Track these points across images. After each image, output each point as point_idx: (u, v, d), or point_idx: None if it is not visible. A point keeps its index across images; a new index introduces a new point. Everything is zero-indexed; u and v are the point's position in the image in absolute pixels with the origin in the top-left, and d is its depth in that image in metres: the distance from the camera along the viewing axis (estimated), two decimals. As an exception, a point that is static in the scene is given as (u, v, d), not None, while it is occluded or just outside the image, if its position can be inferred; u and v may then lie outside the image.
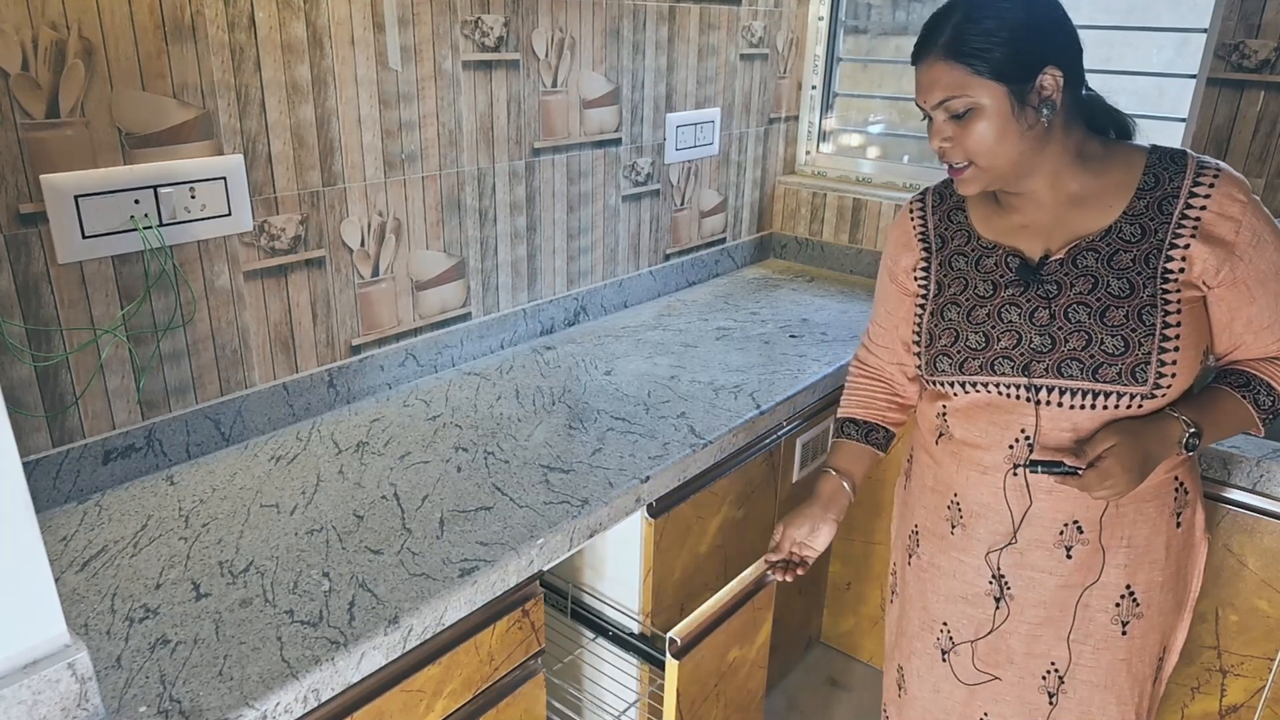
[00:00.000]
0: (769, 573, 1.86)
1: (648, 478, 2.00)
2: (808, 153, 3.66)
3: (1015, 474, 1.67)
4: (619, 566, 2.21)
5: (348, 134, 2.11)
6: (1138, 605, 1.71)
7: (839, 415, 1.97)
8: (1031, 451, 1.65)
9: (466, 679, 1.71)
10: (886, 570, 2.70)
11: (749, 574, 1.82)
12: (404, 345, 2.37)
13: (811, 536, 1.88)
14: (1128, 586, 1.70)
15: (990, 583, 1.77)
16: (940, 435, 1.79)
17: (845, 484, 1.90)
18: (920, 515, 1.88)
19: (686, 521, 2.20)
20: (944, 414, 1.76)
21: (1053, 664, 1.77)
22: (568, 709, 2.07)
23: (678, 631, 1.58)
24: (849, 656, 3.17)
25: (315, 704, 1.43)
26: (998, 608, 1.77)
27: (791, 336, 2.85)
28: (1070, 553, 1.68)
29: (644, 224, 3.07)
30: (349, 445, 2.08)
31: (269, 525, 1.78)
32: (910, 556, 1.92)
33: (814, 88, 3.60)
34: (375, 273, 2.27)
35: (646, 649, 2.13)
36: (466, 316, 2.53)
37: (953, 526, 1.80)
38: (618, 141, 2.88)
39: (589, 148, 2.79)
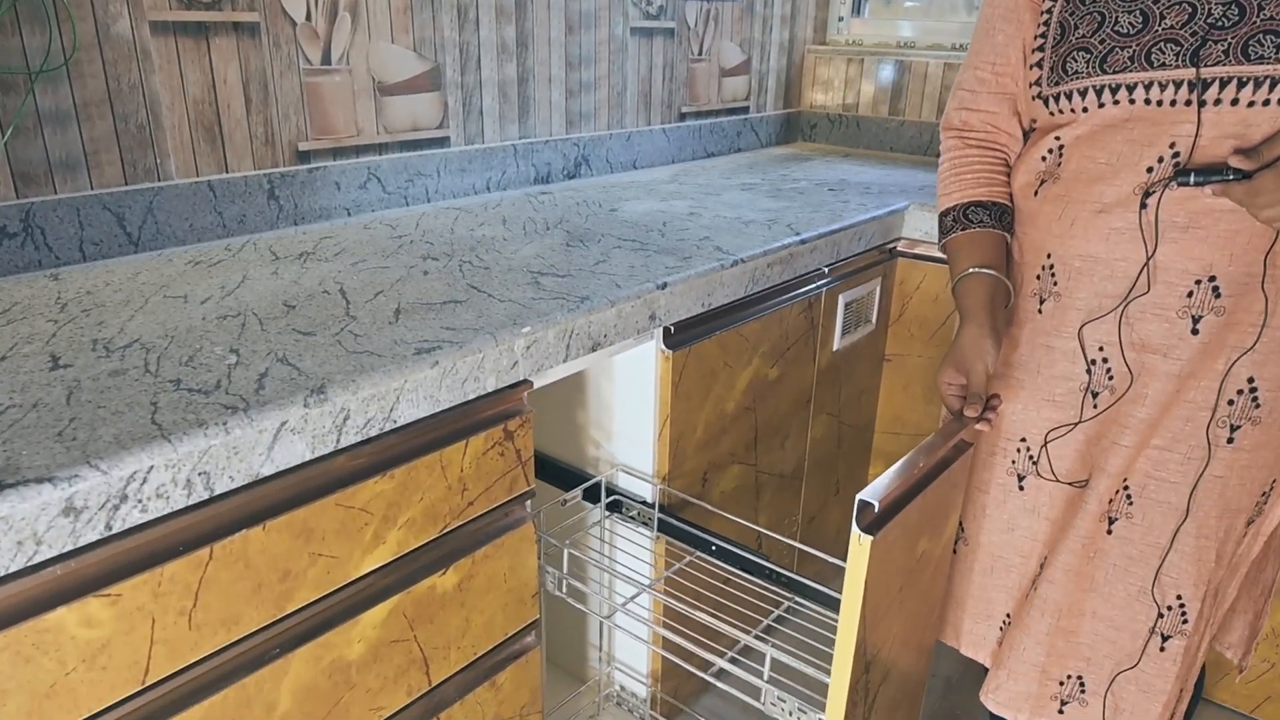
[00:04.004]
0: (974, 427, 1.40)
1: (665, 284, 1.57)
2: (841, 19, 3.21)
3: (1145, 206, 1.23)
4: (629, 416, 1.80)
5: None
6: (1257, 406, 1.31)
7: (952, 205, 1.50)
8: (1177, 172, 1.21)
9: (430, 509, 1.28)
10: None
11: (941, 438, 1.34)
12: (366, 163, 1.93)
13: (999, 360, 1.43)
14: (1250, 381, 1.30)
15: (1086, 371, 1.37)
16: (1042, 182, 1.38)
17: (1004, 279, 1.45)
18: None
19: (711, 364, 1.77)
20: (1057, 149, 1.36)
21: (1124, 482, 1.38)
22: (569, 579, 1.61)
23: (873, 494, 1.12)
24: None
25: (205, 493, 1.01)
26: (1093, 405, 1.36)
27: (830, 190, 2.41)
28: (1198, 325, 1.29)
29: (656, 69, 2.63)
30: (290, 254, 1.65)
31: (170, 311, 1.36)
32: None
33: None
34: (326, 59, 1.83)
35: (667, 518, 1.72)
36: (444, 141, 2.09)
37: (1042, 301, 1.42)
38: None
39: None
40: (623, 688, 2.06)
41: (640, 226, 1.95)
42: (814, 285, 2.06)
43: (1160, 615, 1.41)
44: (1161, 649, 1.42)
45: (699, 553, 1.67)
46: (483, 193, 2.23)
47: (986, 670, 1.80)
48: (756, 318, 1.89)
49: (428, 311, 1.38)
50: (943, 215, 1.52)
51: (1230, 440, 1.31)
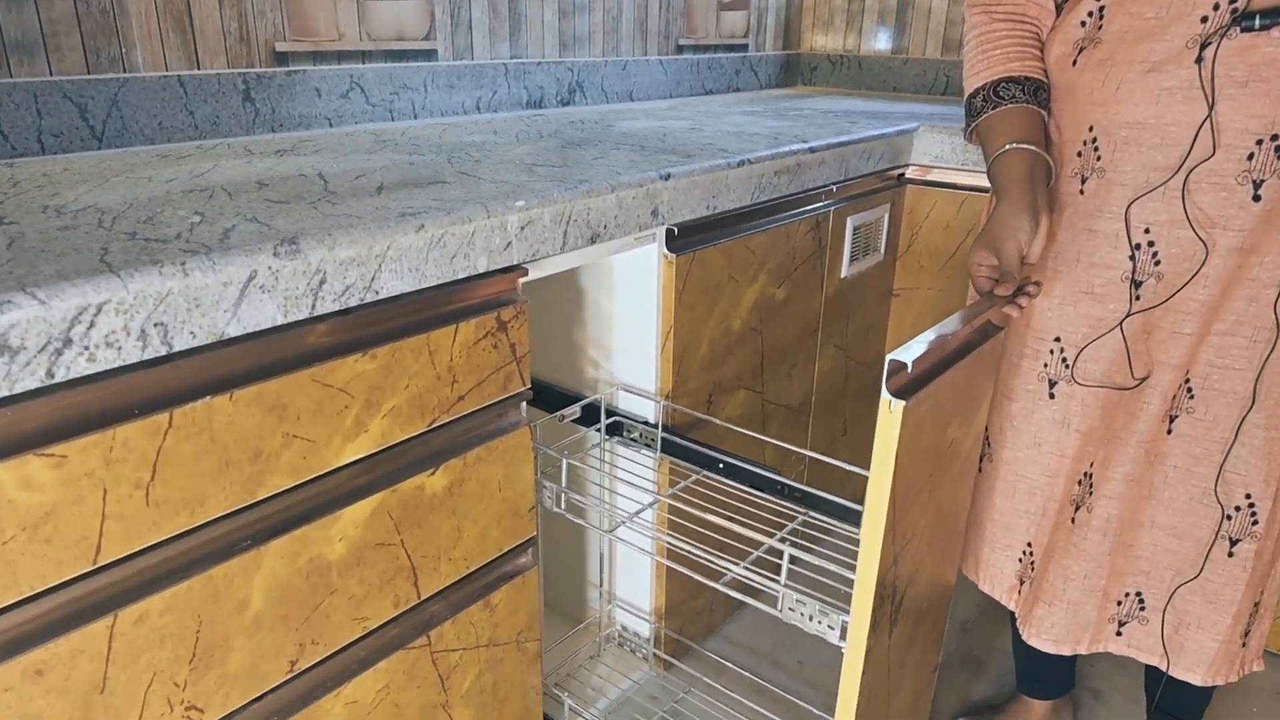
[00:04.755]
0: (1004, 310, 1.25)
1: (668, 175, 1.45)
2: (840, -45, 3.10)
3: (1200, 59, 1.12)
4: (630, 330, 1.69)
5: None
6: None
7: (981, 84, 1.37)
8: (1236, 18, 1.10)
9: (416, 399, 1.16)
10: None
11: (976, 310, 1.22)
12: (348, 70, 1.81)
13: (1035, 241, 1.29)
14: None
15: (1130, 258, 1.25)
16: (1081, 50, 1.26)
17: (1042, 153, 1.30)
18: None
19: (716, 276, 1.67)
20: (1097, 10, 1.26)
21: (1186, 375, 1.25)
22: (568, 493, 1.50)
23: (906, 354, 1.01)
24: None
25: (163, 348, 0.91)
26: (1136, 296, 1.24)
27: (836, 116, 2.31)
28: (1260, 191, 1.18)
29: (652, -4, 2.51)
30: (265, 151, 1.55)
31: (132, 187, 1.26)
32: None
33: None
34: (305, -49, 1.70)
35: (671, 437, 1.62)
36: (431, 54, 1.98)
37: (1083, 180, 1.31)
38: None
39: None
40: (624, 628, 1.95)
41: (639, 136, 1.84)
42: (821, 204, 1.95)
43: (1227, 517, 1.29)
44: (1230, 554, 1.31)
45: (706, 472, 1.56)
46: (472, 113, 2.11)
47: (1007, 612, 1.69)
48: (763, 230, 1.78)
49: (414, 188, 1.27)
50: (971, 97, 1.41)
51: None
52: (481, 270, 1.22)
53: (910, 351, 1.03)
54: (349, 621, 1.19)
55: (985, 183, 1.49)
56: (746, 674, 1.97)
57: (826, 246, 2.01)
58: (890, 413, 1.01)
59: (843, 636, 1.18)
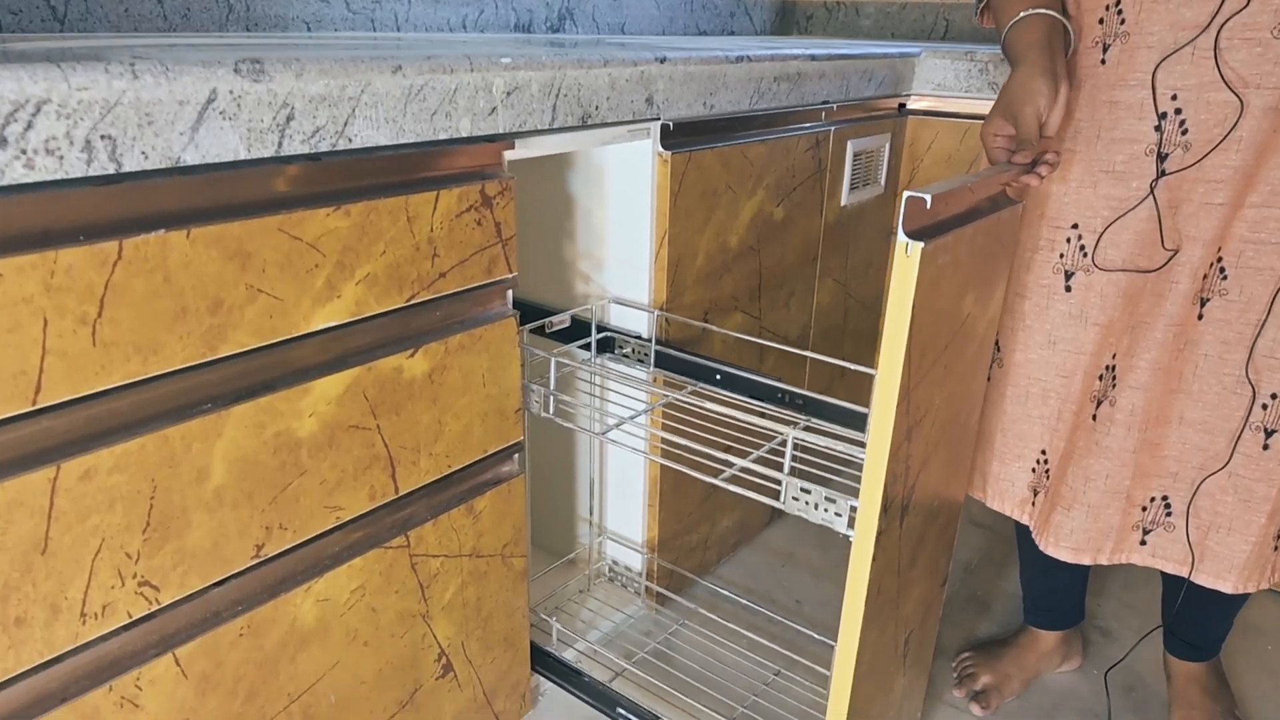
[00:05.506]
0: (1022, 180, 1.16)
1: (664, 58, 1.37)
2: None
3: None
4: (622, 238, 1.62)
5: None
6: None
7: None
8: None
9: (394, 269, 1.08)
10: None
11: (988, 174, 1.13)
12: (328, -26, 1.72)
13: (1054, 108, 1.20)
14: None
15: (1156, 128, 1.17)
16: None
17: (1060, 18, 1.23)
18: None
19: (713, 182, 1.60)
20: None
21: (1218, 253, 1.17)
22: (556, 395, 1.41)
23: (926, 190, 0.92)
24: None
25: (111, 166, 0.85)
26: (1160, 170, 1.14)
27: (840, 48, 2.22)
28: None
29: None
30: (236, 44, 1.44)
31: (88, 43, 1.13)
32: None
33: None
34: None
35: (665, 350, 1.56)
36: (416, -36, 1.88)
37: (1105, 48, 1.23)
38: None
39: None
40: (615, 562, 1.86)
41: (633, 47, 1.75)
42: (821, 124, 1.88)
43: (1262, 406, 1.21)
44: (1265, 446, 1.22)
45: (702, 384, 1.47)
46: (458, 30, 2.03)
47: (1013, 548, 1.60)
48: (762, 140, 1.70)
49: (395, 58, 1.17)
50: None
51: None
52: (465, 135, 1.14)
53: (930, 189, 0.95)
54: (320, 509, 1.10)
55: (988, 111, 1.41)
56: (744, 600, 1.88)
57: (827, 169, 1.93)
58: (907, 256, 0.93)
59: (850, 526, 1.09)
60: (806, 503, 1.14)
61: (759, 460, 1.25)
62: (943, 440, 1.17)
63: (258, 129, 0.92)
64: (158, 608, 0.98)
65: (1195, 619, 1.55)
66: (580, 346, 1.60)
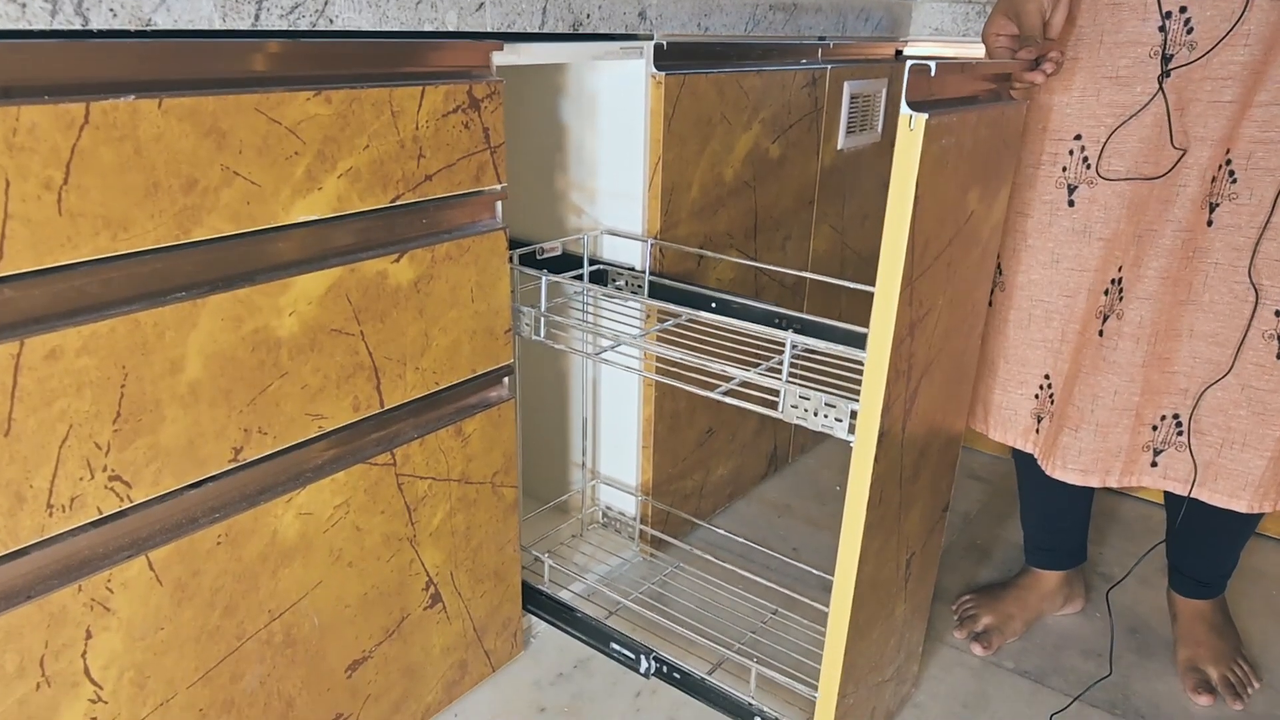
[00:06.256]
0: (1026, 77, 1.12)
1: (657, -30, 1.32)
2: None
3: None
4: (615, 165, 1.58)
5: None
6: None
7: None
8: None
9: (377, 165, 1.05)
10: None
11: (993, 62, 1.09)
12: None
13: (1058, 8, 1.16)
14: None
15: (1160, 29, 1.14)
16: None
17: None
18: None
19: (708, 110, 1.57)
20: None
21: (1227, 154, 1.14)
22: (548, 316, 1.37)
23: (925, 62, 0.88)
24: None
25: (76, 19, 0.81)
26: (1165, 73, 1.11)
27: None
28: None
29: None
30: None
31: None
32: None
33: None
34: None
35: (659, 280, 1.55)
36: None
37: None
38: None
39: None
40: (610, 507, 1.82)
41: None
42: (818, 62, 1.84)
43: (1276, 313, 1.17)
44: (1279, 355, 1.18)
45: (698, 311, 1.43)
46: None
47: (1019, 473, 1.57)
48: (757, 70, 1.65)
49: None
50: None
51: None
52: (451, 28, 1.10)
53: (929, 63, 0.91)
54: (302, 416, 1.06)
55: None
56: (741, 540, 1.84)
57: (823, 109, 1.89)
58: (911, 130, 0.89)
59: (851, 432, 1.05)
60: (806, 409, 1.10)
61: (757, 373, 1.21)
62: (945, 350, 1.13)
63: (233, -3, 0.87)
64: (129, 505, 0.94)
65: (1202, 551, 1.52)
66: (572, 278, 1.55)
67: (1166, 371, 1.26)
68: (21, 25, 0.76)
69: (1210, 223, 1.19)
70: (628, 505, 1.79)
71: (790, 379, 1.14)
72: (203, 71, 0.89)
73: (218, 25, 0.88)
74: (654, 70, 1.46)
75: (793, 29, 1.70)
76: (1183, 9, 1.14)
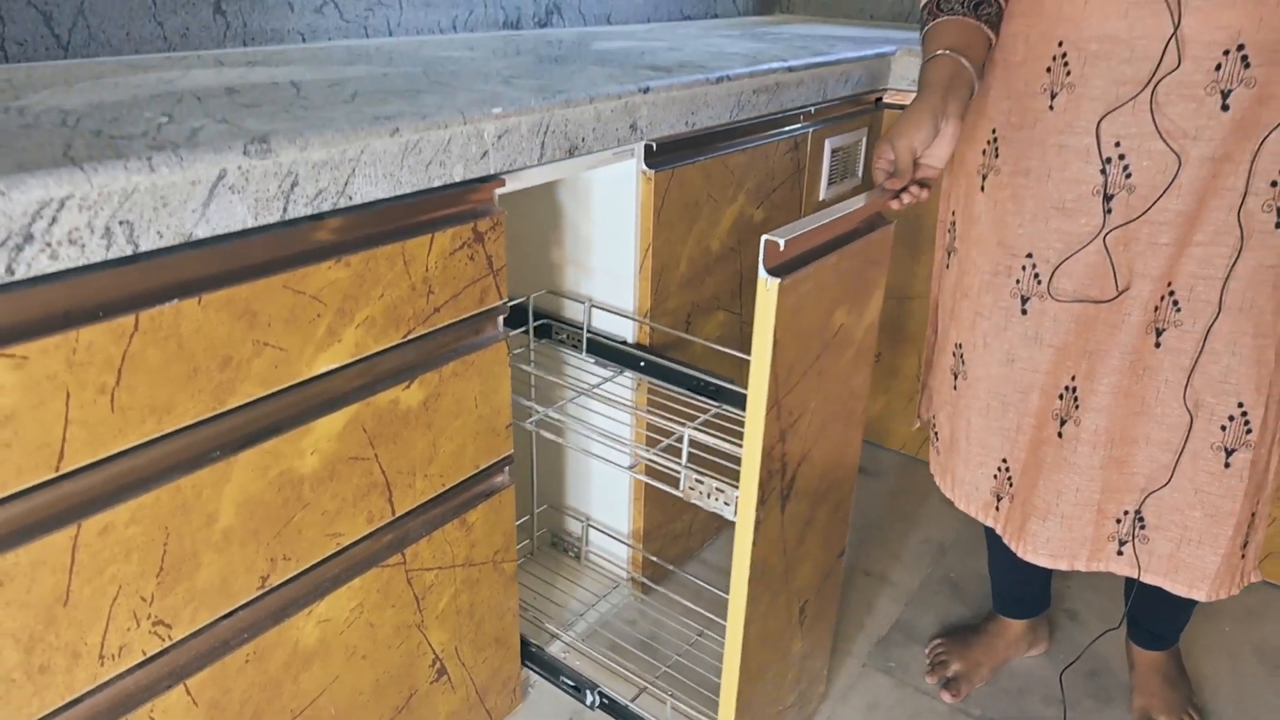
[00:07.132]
0: (890, 204, 1.25)
1: (647, 88, 1.42)
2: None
3: None
4: (608, 248, 1.68)
5: None
6: None
7: None
8: None
9: (391, 310, 1.14)
10: (924, 332, 2.14)
11: (859, 201, 1.23)
12: (320, -17, 1.75)
13: (937, 142, 1.27)
14: None
15: (1101, 171, 1.24)
16: None
17: (964, 61, 1.28)
18: (1003, 108, 1.37)
19: (695, 194, 1.65)
20: None
21: (1169, 287, 1.25)
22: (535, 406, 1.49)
23: (779, 234, 1.02)
24: (876, 445, 2.60)
25: (129, 248, 0.88)
26: (1107, 209, 1.22)
27: (813, 39, 2.27)
28: (1228, 101, 1.17)
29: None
30: (237, 62, 1.49)
31: (99, 91, 1.22)
32: (983, 179, 1.41)
33: None
34: None
35: (642, 354, 1.63)
36: (406, -31, 1.92)
37: (1053, 96, 1.29)
38: None
39: None
40: (602, 550, 1.94)
41: (618, 55, 1.80)
42: (800, 126, 1.93)
43: (1221, 428, 1.29)
44: (1227, 465, 1.30)
45: (627, 370, 1.62)
46: (448, 31, 2.07)
47: (983, 535, 1.69)
48: (742, 149, 1.75)
49: (389, 95, 1.23)
50: (921, 9, 1.39)
51: (1279, 225, 1.19)
52: (458, 179, 1.19)
53: (785, 232, 1.05)
54: (322, 537, 1.17)
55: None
56: (725, 596, 1.97)
57: (805, 168, 1.99)
58: (766, 290, 1.05)
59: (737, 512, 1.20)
60: (701, 491, 1.26)
61: (671, 450, 1.37)
62: (823, 433, 1.27)
63: (264, 198, 0.97)
64: (170, 644, 1.05)
65: (1159, 611, 1.65)
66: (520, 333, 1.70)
67: (1125, 473, 1.39)
68: (81, 263, 0.85)
69: (1159, 344, 1.30)
70: (620, 551, 1.91)
71: (691, 455, 1.28)
72: (236, 264, 0.99)
73: (250, 225, 0.97)
74: (644, 168, 1.55)
75: (776, 105, 1.79)
76: (1121, 157, 1.25)
